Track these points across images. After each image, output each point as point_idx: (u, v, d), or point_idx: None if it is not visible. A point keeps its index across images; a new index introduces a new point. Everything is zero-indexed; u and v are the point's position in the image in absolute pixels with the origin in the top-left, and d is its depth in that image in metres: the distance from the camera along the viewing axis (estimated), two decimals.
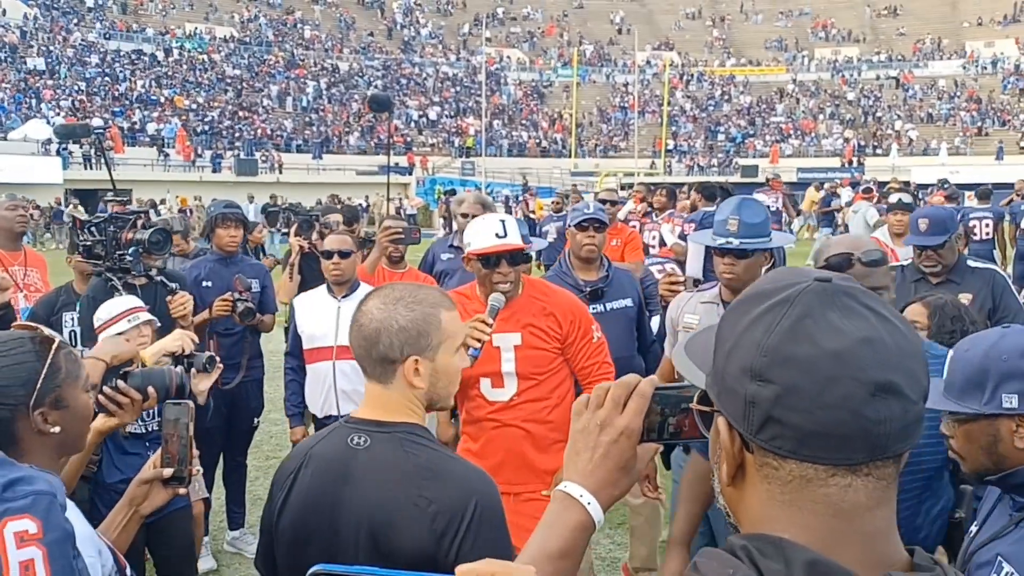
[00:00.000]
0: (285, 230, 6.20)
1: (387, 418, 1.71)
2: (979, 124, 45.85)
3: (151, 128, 39.23)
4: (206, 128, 41.08)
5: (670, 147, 46.99)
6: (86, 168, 33.88)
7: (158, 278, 3.36)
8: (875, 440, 0.78)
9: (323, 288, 4.07)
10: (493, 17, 60.06)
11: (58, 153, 33.39)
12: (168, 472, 1.77)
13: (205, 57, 47.44)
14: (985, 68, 50.38)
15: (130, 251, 3.15)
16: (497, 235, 2.78)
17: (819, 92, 52.64)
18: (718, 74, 55.84)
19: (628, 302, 3.67)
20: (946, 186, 14.35)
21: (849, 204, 13.89)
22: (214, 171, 37.00)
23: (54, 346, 1.58)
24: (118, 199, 3.44)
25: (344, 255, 3.94)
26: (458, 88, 53.13)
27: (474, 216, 3.73)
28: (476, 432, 2.98)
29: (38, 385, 1.53)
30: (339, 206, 5.56)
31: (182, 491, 1.81)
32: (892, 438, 0.78)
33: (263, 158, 39.04)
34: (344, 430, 1.75)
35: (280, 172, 37.82)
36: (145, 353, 2.48)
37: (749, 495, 0.84)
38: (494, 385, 2.91)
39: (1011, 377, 1.64)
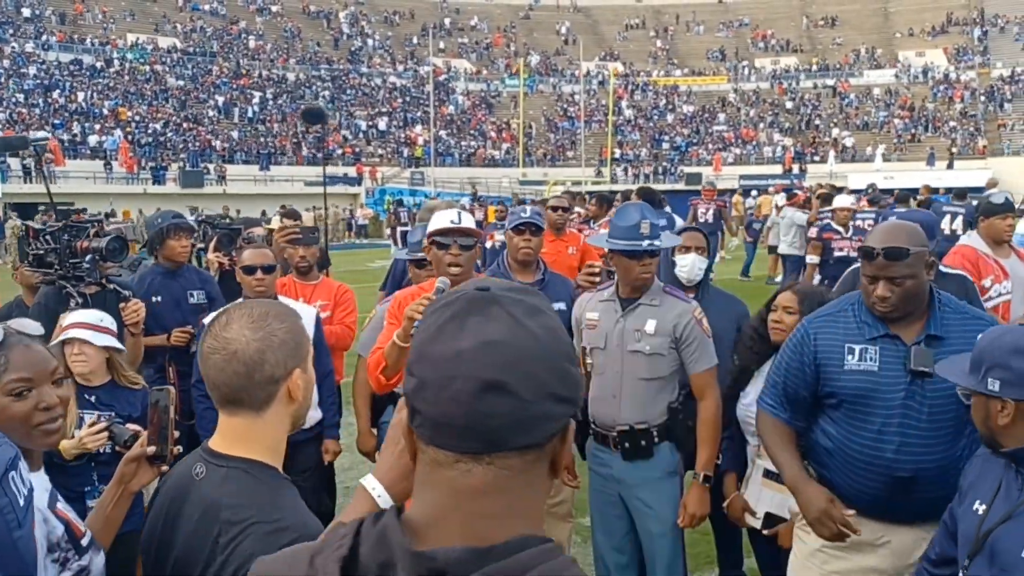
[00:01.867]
0: (202, 245, 5.52)
1: (246, 454, 1.60)
2: (912, 131, 47.40)
3: (93, 140, 38.50)
4: (150, 140, 40.45)
5: (616, 156, 47.64)
6: (25, 182, 33.11)
7: (110, 286, 3.45)
8: (487, 433, 0.84)
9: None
10: (440, 27, 60.15)
11: None
12: (152, 450, 1.94)
13: (148, 68, 46.68)
14: (916, 77, 52.08)
15: (87, 259, 3.25)
16: (452, 221, 3.06)
17: (759, 101, 53.84)
18: (662, 84, 56.75)
19: (562, 306, 3.76)
20: (869, 192, 14.96)
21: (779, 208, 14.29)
22: (156, 183, 36.44)
23: None
24: (68, 210, 3.55)
25: (267, 270, 3.79)
26: (406, 98, 53.10)
27: None
28: None
29: None
30: (282, 210, 5.35)
31: (164, 468, 1.94)
32: (506, 432, 0.85)
33: (208, 170, 38.57)
34: (193, 458, 1.68)
35: (226, 184, 37.41)
36: (65, 444, 2.72)
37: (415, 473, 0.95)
38: None
39: (998, 366, 1.94)
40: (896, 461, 2.38)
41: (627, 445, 3.19)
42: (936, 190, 16.74)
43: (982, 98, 48.13)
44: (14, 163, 32.93)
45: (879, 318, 2.44)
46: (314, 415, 3.81)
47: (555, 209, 5.75)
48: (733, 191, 27.17)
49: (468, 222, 3.10)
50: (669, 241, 3.38)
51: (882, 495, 2.43)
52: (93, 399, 3.13)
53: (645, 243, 3.08)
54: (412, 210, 23.22)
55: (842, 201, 8.98)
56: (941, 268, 3.85)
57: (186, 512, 1.59)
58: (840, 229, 8.30)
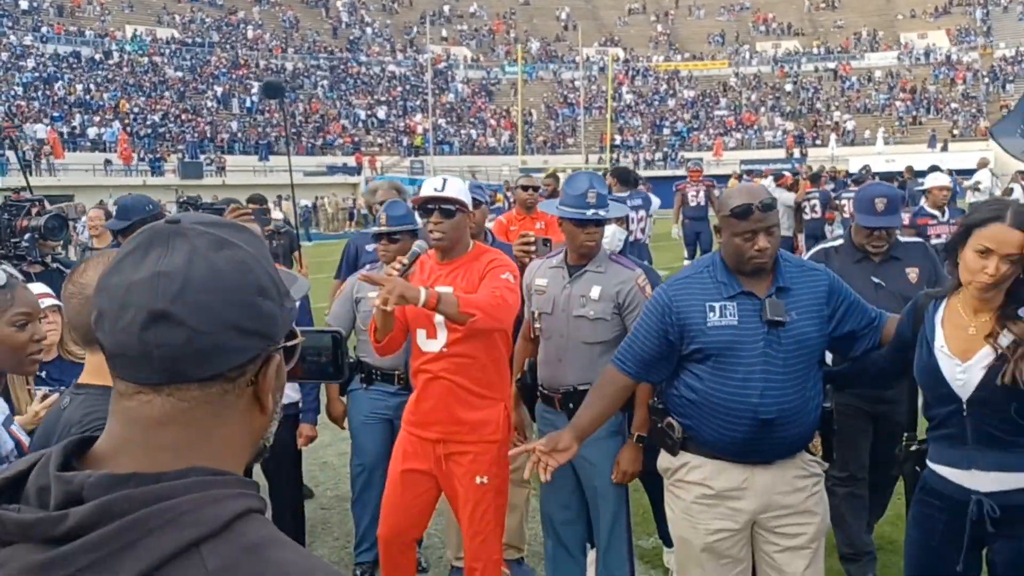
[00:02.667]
0: None
1: (104, 382, 1.60)
2: (913, 113, 47.21)
3: (92, 132, 38.57)
4: (148, 131, 40.50)
5: (617, 142, 47.55)
6: (25, 175, 33.20)
7: (54, 265, 3.48)
8: (160, 363, 0.84)
9: None
10: (440, 15, 60.06)
11: None
12: None
13: (146, 59, 46.71)
14: (919, 59, 51.85)
15: (26, 237, 3.28)
16: (435, 188, 3.15)
17: (761, 85, 53.65)
18: (663, 69, 56.58)
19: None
20: (861, 173, 14.88)
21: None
22: (155, 174, 36.51)
23: None
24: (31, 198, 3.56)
25: None
26: (406, 87, 53.07)
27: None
28: (414, 383, 3.27)
29: None
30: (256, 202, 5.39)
31: None
32: (180, 363, 0.84)
33: (207, 160, 38.62)
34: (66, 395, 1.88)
35: (225, 175, 37.48)
36: (20, 419, 2.72)
37: None
38: (428, 336, 3.19)
39: None
40: (761, 405, 2.57)
41: (571, 405, 3.26)
42: (921, 172, 16.61)
43: (985, 79, 47.87)
44: (12, 156, 32.98)
45: (734, 277, 2.64)
46: (291, 395, 3.79)
47: (525, 188, 5.94)
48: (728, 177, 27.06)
49: (452, 190, 3.15)
50: (615, 212, 3.44)
51: (748, 438, 2.61)
52: (44, 374, 3.16)
53: (590, 212, 3.17)
54: (410, 198, 23.31)
55: (937, 180, 7.07)
56: (900, 238, 3.93)
57: (53, 440, 1.68)
58: (936, 213, 6.79)
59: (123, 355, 0.86)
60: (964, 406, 2.33)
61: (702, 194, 12.08)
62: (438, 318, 3.13)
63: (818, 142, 45.41)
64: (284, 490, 3.98)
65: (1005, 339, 2.28)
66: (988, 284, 2.27)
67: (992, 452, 2.32)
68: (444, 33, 58.70)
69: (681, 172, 36.47)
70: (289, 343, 0.98)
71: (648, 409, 3.26)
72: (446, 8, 61.34)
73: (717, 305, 2.62)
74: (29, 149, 34.77)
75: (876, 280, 3.67)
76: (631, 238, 7.12)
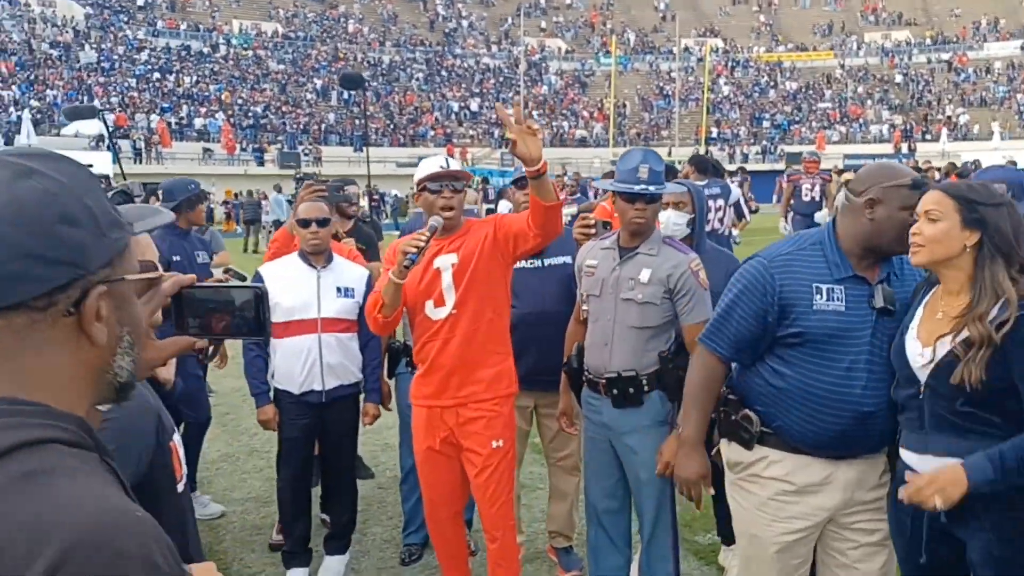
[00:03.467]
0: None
1: None
2: None
3: (198, 123, 40.22)
4: (251, 122, 41.95)
5: (713, 135, 46.50)
6: (136, 163, 34.92)
7: None
8: None
9: (294, 257, 3.92)
10: (536, 6, 60.01)
11: (109, 148, 34.45)
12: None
13: (251, 53, 48.37)
14: None
15: None
16: (441, 166, 3.18)
17: (868, 77, 51.50)
18: (764, 60, 54.99)
19: (566, 259, 3.76)
20: (967, 167, 14.01)
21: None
22: (258, 164, 37.81)
23: None
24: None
25: (321, 223, 3.83)
26: (499, 79, 53.26)
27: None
28: (424, 357, 3.24)
29: None
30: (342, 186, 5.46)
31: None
32: None
33: (305, 151, 39.72)
34: None
35: (321, 164, 38.48)
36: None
37: None
38: (436, 304, 3.18)
39: None
40: (863, 397, 2.39)
41: (616, 392, 3.15)
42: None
43: None
44: (124, 144, 34.72)
45: (847, 259, 2.44)
46: (356, 372, 3.87)
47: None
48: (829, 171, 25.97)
49: (456, 166, 3.22)
50: (670, 189, 3.35)
51: (844, 431, 2.42)
52: None
53: (639, 187, 3.05)
54: (498, 188, 23.40)
55: None
56: None
57: None
58: None
59: None
60: (921, 389, 2.21)
61: (817, 188, 10.84)
62: (445, 283, 3.13)
63: (928, 137, 43.28)
64: (339, 469, 3.99)
65: (961, 336, 2.12)
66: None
67: (943, 437, 2.18)
68: (542, 24, 58.63)
69: (780, 166, 35.40)
70: (134, 277, 0.94)
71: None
72: (543, 0, 61.24)
73: (824, 287, 2.41)
74: (140, 138, 36.56)
75: None
76: (708, 228, 6.87)
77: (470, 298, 3.13)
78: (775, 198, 10.93)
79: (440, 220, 3.10)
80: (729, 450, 2.63)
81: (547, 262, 3.80)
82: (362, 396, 4.02)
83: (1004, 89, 46.82)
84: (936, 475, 2.10)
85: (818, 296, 2.41)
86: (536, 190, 2.91)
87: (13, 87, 38.54)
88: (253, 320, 1.16)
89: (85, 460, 0.83)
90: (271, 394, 3.88)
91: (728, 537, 3.94)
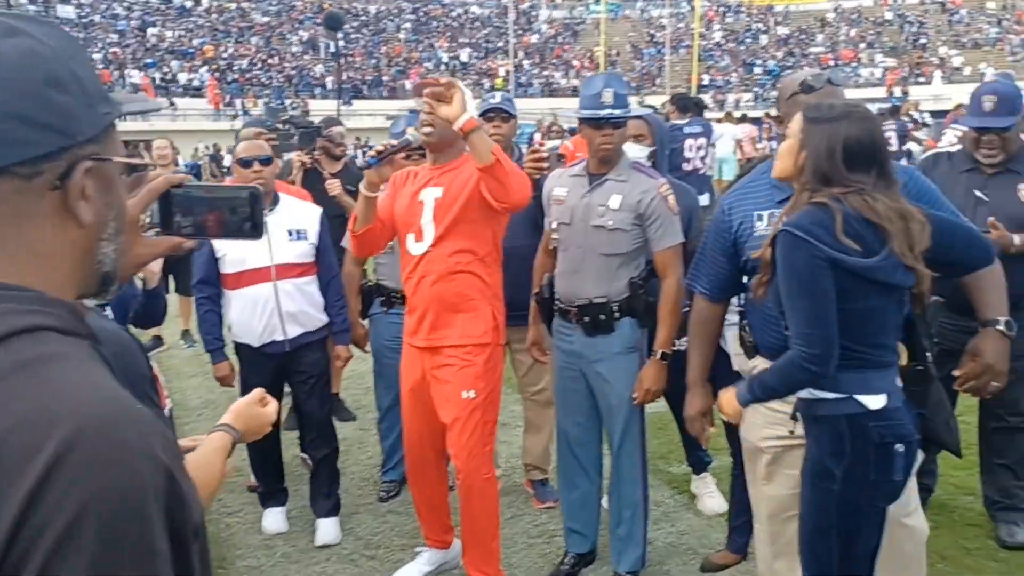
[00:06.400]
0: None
1: None
2: None
3: (183, 78, 39.64)
4: (235, 76, 41.36)
5: (705, 82, 45.99)
6: (121, 119, 34.47)
7: None
8: None
9: None
10: None
11: None
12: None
13: (234, 5, 47.49)
14: None
15: None
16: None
17: (861, 20, 50.83)
18: (756, 4, 54.16)
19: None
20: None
21: None
22: (243, 118, 37.36)
23: None
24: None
25: (264, 161, 3.57)
26: (488, 29, 52.45)
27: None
28: (407, 293, 3.20)
29: None
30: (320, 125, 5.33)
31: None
32: None
33: (292, 105, 39.22)
34: None
35: (310, 118, 38.04)
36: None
37: None
38: (416, 238, 3.09)
39: None
40: None
41: (587, 319, 3.13)
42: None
43: None
44: None
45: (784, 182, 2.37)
46: (320, 317, 3.72)
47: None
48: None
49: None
50: (635, 112, 3.27)
51: None
52: None
53: (604, 111, 3.01)
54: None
55: None
56: None
57: None
58: None
59: None
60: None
61: (894, 137, 10.31)
62: (426, 216, 3.03)
63: (921, 80, 42.86)
64: (315, 413, 3.86)
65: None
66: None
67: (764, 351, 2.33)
68: None
69: (774, 111, 35.02)
70: (121, 159, 0.89)
71: (674, 325, 3.12)
72: None
73: (766, 213, 2.42)
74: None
75: (979, 194, 3.24)
76: (688, 167, 6.82)
77: (449, 236, 3.02)
78: None
79: (417, 136, 3.02)
80: (741, 362, 2.69)
81: None
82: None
83: (996, 30, 46.28)
84: (726, 395, 2.29)
85: (759, 223, 2.42)
86: (478, 153, 2.79)
87: None
88: (248, 220, 1.13)
89: (79, 347, 0.80)
90: (226, 349, 3.75)
91: (697, 466, 3.99)
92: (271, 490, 3.93)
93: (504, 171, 2.79)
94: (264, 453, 3.84)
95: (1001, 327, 2.35)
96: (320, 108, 39.16)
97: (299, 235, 3.63)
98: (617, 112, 3.01)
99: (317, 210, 3.78)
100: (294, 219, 3.65)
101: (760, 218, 2.44)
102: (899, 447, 2.04)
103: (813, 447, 2.13)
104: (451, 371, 3.06)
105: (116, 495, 0.69)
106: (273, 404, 1.63)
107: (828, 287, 1.98)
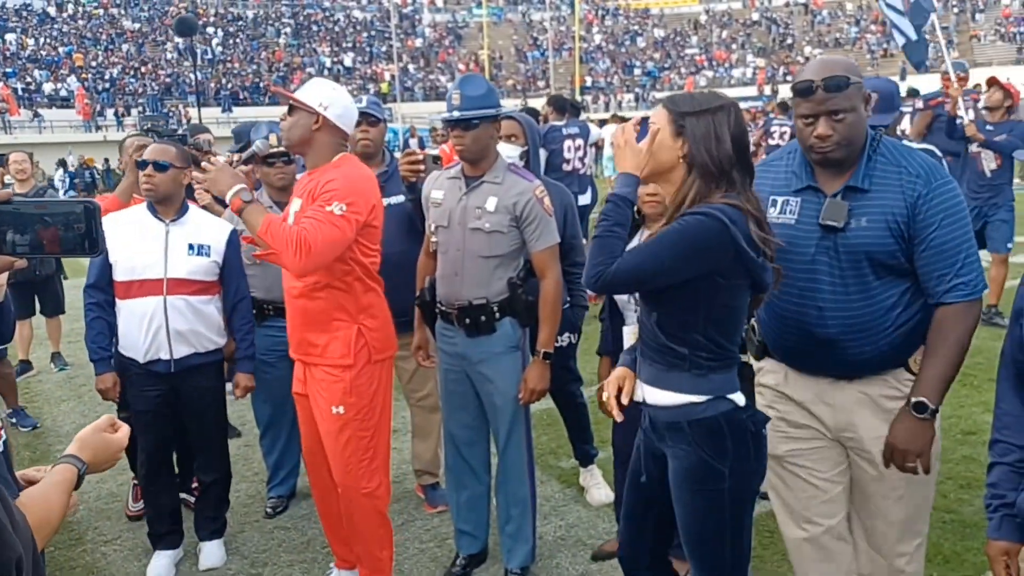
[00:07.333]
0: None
1: None
2: (884, 46, 46.84)
3: (48, 88, 37.56)
4: (107, 85, 39.49)
5: (588, 84, 46.92)
6: None
7: None
8: None
9: (142, 208, 3.44)
10: None
11: None
12: None
13: (101, 11, 45.34)
14: None
15: None
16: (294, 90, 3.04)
17: (731, 22, 52.97)
18: (632, 8, 55.66)
19: (401, 198, 3.69)
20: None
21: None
22: (119, 128, 35.72)
23: None
24: None
25: (160, 167, 3.32)
26: (370, 33, 51.92)
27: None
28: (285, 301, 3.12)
29: None
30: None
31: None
32: None
33: (169, 113, 37.74)
34: None
35: (188, 126, 36.72)
36: None
37: None
38: None
39: None
40: (822, 319, 2.25)
41: (468, 321, 3.15)
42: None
43: (954, 9, 47.46)
44: None
45: (809, 169, 2.26)
46: (216, 340, 3.50)
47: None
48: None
49: (302, 92, 2.96)
50: (486, 113, 3.08)
51: (809, 353, 2.32)
52: None
53: (456, 113, 3.01)
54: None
55: None
56: (905, 143, 3.62)
57: None
58: None
59: None
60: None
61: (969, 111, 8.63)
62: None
63: (789, 78, 45.04)
64: (204, 442, 3.63)
65: None
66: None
67: (644, 363, 2.16)
68: None
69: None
70: None
71: (555, 325, 3.16)
72: None
73: (780, 200, 2.30)
74: None
75: None
76: (567, 167, 6.96)
77: None
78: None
79: (260, 145, 3.05)
80: (751, 360, 2.61)
81: (386, 201, 3.72)
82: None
83: (856, 30, 49.10)
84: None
85: (772, 209, 2.29)
86: (250, 234, 2.80)
87: None
88: (84, 235, 1.10)
89: None
90: (113, 362, 3.47)
91: (584, 459, 4.08)
92: (162, 531, 3.60)
93: (274, 244, 2.69)
94: (160, 486, 3.56)
95: (909, 408, 2.18)
96: (202, 117, 37.95)
97: (201, 250, 3.41)
98: (468, 113, 2.98)
99: (227, 227, 3.55)
100: (198, 233, 3.43)
101: (774, 204, 2.31)
102: (765, 431, 2.12)
103: (691, 454, 2.07)
104: (320, 386, 3.00)
105: None
106: (124, 430, 1.51)
107: (693, 269, 1.95)
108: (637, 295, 2.24)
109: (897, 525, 2.36)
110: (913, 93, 12.81)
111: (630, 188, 2.08)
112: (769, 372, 2.43)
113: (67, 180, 25.23)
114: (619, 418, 2.19)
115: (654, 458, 2.20)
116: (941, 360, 2.16)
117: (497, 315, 3.13)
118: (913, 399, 2.17)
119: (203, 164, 2.83)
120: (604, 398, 2.23)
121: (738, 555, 2.12)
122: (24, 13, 42.85)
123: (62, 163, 27.96)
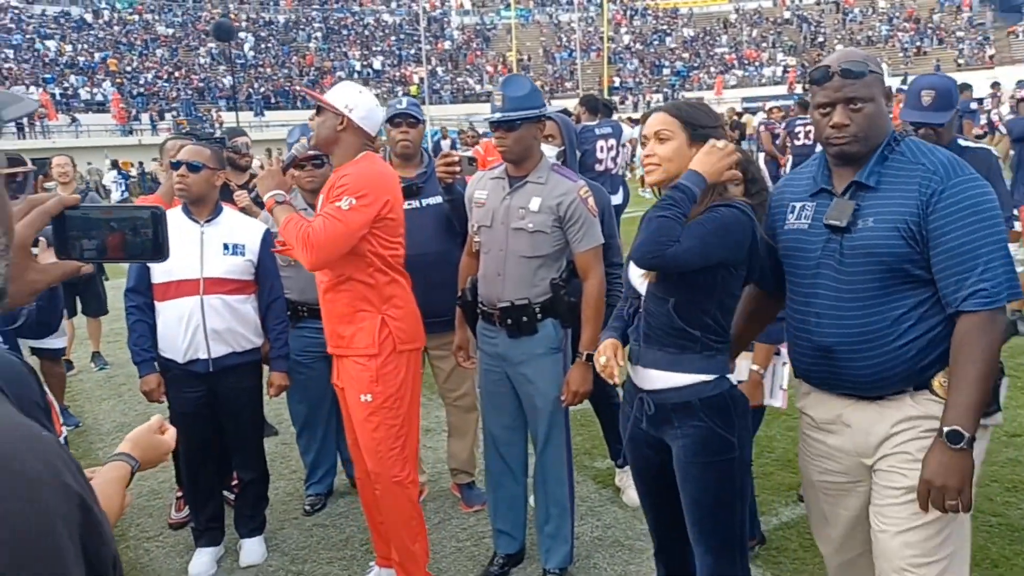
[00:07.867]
0: None
1: None
2: (918, 44, 46.19)
3: (84, 93, 38.22)
4: (141, 90, 40.10)
5: (616, 85, 46.76)
6: (19, 138, 33.03)
7: None
8: None
9: (176, 211, 3.46)
10: None
11: None
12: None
13: (136, 17, 46.05)
14: None
15: None
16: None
17: (761, 20, 52.53)
18: (662, 7, 55.40)
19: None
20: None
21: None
22: (153, 133, 36.25)
23: None
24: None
25: (193, 168, 3.37)
26: (400, 36, 52.21)
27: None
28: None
29: None
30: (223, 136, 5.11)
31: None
32: None
33: (203, 116, 38.27)
34: None
35: (222, 130, 37.15)
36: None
37: None
38: None
39: None
40: (820, 327, 2.14)
41: (510, 322, 3.14)
42: None
43: (992, 6, 46.65)
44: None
45: (827, 172, 2.18)
46: (253, 339, 3.55)
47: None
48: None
49: (329, 95, 3.03)
50: (524, 114, 3.08)
51: (813, 364, 2.21)
52: None
53: (498, 115, 3.02)
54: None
55: None
56: (961, 142, 3.56)
57: None
58: None
59: None
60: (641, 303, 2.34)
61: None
62: None
63: None
64: (241, 442, 3.68)
65: None
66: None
67: (650, 350, 2.29)
68: None
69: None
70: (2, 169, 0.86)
71: (598, 326, 3.13)
72: None
73: (798, 205, 2.22)
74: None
75: None
76: (600, 167, 6.94)
77: None
78: None
79: (300, 148, 3.13)
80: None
81: (425, 202, 3.77)
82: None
83: (887, 28, 48.46)
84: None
85: (791, 215, 2.23)
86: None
87: None
88: (151, 241, 1.11)
89: None
90: (156, 364, 3.49)
91: (620, 460, 4.07)
92: (206, 528, 3.66)
93: (288, 241, 2.89)
94: (204, 488, 3.64)
95: (943, 438, 1.96)
96: (232, 119, 38.40)
97: (236, 250, 3.46)
98: (511, 115, 2.99)
99: (261, 227, 3.60)
100: (232, 233, 3.48)
101: (792, 210, 2.24)
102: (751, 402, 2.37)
103: (703, 428, 2.22)
104: (350, 376, 3.08)
105: (19, 529, 0.62)
106: (171, 432, 1.55)
107: (724, 254, 2.16)
108: (639, 286, 2.35)
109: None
110: (966, 88, 12.59)
111: (700, 187, 2.19)
112: (802, 395, 2.33)
113: (123, 183, 25.44)
114: (619, 380, 2.34)
115: (656, 451, 2.37)
116: (968, 381, 1.94)
117: (539, 316, 3.12)
118: (945, 428, 1.95)
119: (263, 164, 3.03)
120: (603, 362, 2.33)
121: (743, 525, 2.30)
122: (62, 20, 43.63)
123: (115, 164, 28.36)
